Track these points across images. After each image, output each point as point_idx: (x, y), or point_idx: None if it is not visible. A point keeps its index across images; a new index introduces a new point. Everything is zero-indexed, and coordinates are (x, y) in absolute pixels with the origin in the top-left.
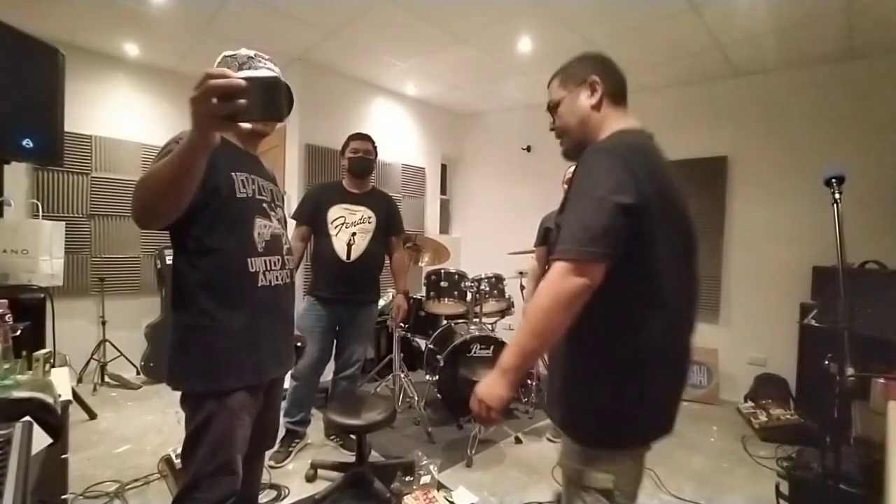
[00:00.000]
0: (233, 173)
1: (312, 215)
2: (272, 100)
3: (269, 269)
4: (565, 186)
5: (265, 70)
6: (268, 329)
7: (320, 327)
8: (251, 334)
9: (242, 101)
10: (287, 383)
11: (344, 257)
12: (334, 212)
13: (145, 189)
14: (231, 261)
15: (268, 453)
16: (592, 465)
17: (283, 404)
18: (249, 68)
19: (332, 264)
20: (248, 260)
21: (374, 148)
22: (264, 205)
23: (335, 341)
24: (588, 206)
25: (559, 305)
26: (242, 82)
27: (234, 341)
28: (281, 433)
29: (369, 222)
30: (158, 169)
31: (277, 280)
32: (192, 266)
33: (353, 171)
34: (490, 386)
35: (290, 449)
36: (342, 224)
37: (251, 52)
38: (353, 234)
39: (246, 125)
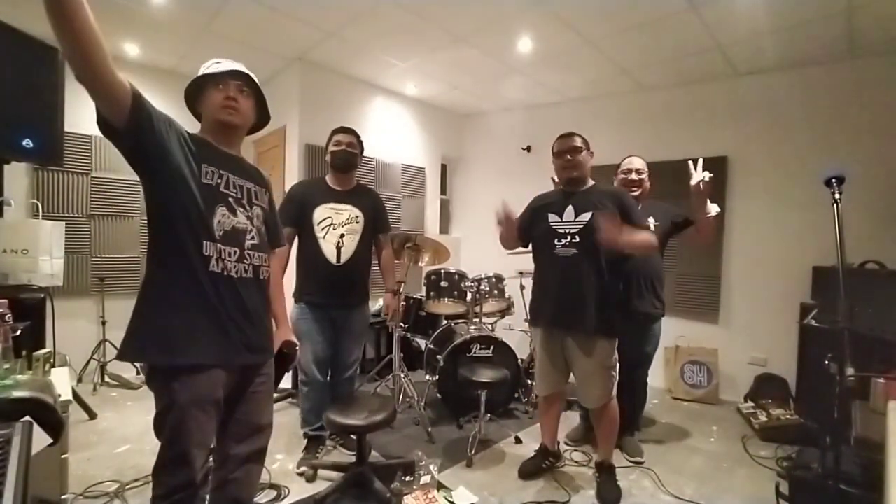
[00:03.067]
0: (202, 164)
1: (297, 216)
2: None
3: (222, 257)
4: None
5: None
6: (213, 315)
7: (316, 330)
8: (192, 315)
9: None
10: (283, 386)
11: (334, 261)
12: (320, 212)
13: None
14: (186, 239)
15: (296, 461)
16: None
17: (299, 412)
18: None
19: (321, 268)
20: (204, 243)
21: (360, 142)
22: (230, 199)
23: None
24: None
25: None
26: None
27: (171, 318)
28: (304, 442)
29: (357, 222)
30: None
31: (231, 271)
32: (155, 242)
33: (335, 165)
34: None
35: (318, 455)
36: (329, 225)
37: (218, 60)
38: (342, 235)
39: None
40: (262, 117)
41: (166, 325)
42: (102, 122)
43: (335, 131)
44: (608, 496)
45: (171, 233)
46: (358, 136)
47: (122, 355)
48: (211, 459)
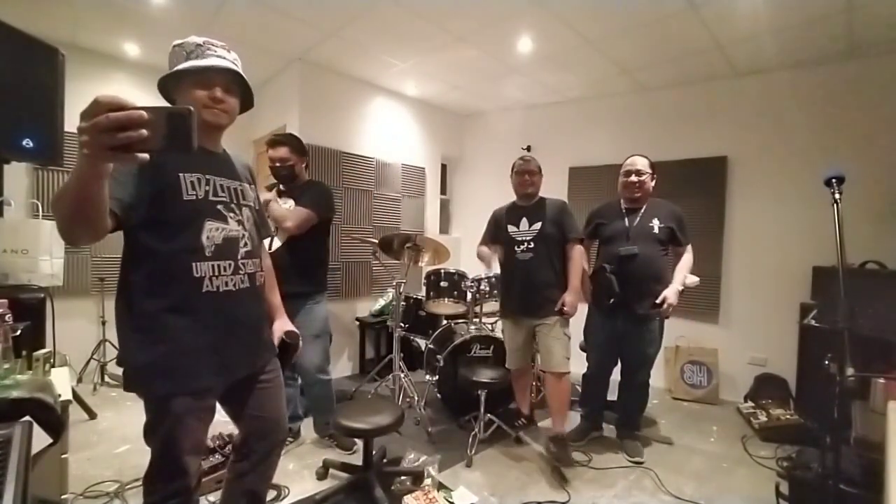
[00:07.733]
0: (181, 174)
1: None
2: (179, 130)
3: (216, 274)
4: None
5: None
6: (212, 336)
7: None
8: (190, 341)
9: (143, 131)
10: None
11: (269, 248)
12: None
13: (56, 212)
14: (173, 265)
15: (294, 460)
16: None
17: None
18: (197, 57)
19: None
20: (194, 265)
21: (296, 146)
22: (219, 206)
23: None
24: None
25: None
26: (143, 114)
27: (170, 347)
28: (298, 440)
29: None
30: (62, 192)
31: (227, 286)
32: (136, 266)
33: (276, 179)
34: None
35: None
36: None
37: (200, 40)
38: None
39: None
40: (247, 104)
41: (161, 358)
42: None
43: (266, 143)
44: (562, 462)
45: (156, 258)
46: (293, 143)
47: (127, 388)
48: (229, 450)
